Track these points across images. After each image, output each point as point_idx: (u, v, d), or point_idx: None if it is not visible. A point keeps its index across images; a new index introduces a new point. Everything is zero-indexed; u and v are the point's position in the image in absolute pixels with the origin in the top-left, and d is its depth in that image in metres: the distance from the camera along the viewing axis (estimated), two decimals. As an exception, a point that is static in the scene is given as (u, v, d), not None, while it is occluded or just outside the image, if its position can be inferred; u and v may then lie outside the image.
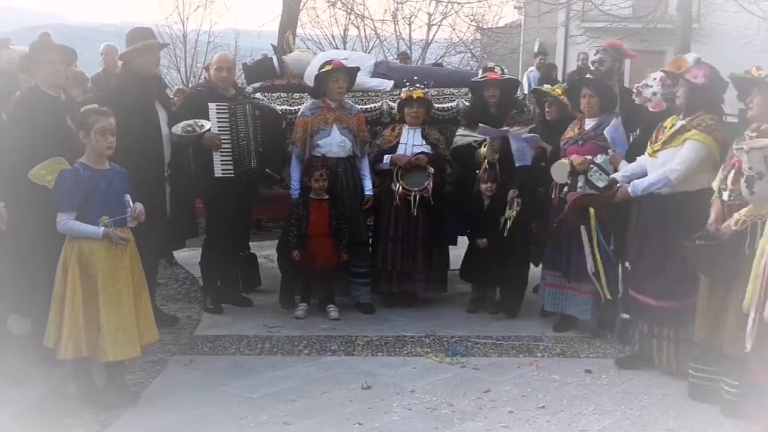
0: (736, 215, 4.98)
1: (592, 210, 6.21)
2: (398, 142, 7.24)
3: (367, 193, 7.16)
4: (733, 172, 5.11)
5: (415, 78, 7.52)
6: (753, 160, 4.79)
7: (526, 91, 10.04)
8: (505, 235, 6.87)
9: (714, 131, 5.51)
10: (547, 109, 7.16)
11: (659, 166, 5.66)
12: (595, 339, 6.55)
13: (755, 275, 4.73)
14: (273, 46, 9.28)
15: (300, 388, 5.50)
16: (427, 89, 7.34)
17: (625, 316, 6.39)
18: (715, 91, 5.60)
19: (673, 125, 5.66)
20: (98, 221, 4.93)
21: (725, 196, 5.16)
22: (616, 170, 6.23)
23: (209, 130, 6.72)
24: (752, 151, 4.81)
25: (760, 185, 4.78)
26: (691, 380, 5.38)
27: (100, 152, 5.06)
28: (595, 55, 7.77)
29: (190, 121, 6.68)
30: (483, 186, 7.06)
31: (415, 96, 7.17)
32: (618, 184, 5.93)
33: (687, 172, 5.53)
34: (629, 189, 5.77)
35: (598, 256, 6.30)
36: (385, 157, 7.22)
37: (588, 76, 6.94)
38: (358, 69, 7.29)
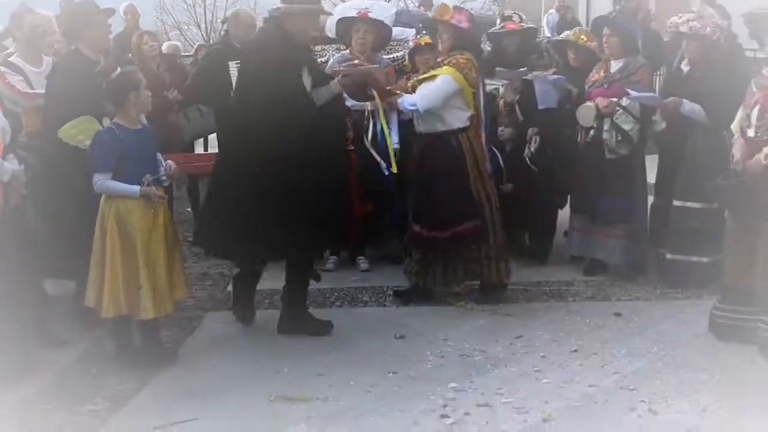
0: (765, 149, 4.93)
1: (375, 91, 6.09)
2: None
3: (393, 145, 7.11)
4: (757, 109, 5.06)
5: (420, 25, 7.43)
6: None
7: (547, 34, 9.92)
8: (529, 168, 6.84)
9: (465, 69, 5.84)
10: (572, 56, 7.07)
11: None
12: (625, 282, 6.55)
13: None
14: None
15: (333, 340, 5.57)
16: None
17: (661, 251, 6.42)
18: (475, 33, 6.15)
19: None
20: (142, 180, 4.98)
21: (750, 133, 5.10)
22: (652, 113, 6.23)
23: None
24: None
25: None
26: (720, 321, 5.35)
27: (147, 107, 5.14)
28: None
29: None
30: (500, 129, 7.01)
31: (423, 43, 7.10)
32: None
33: (432, 100, 5.82)
34: (398, 100, 5.99)
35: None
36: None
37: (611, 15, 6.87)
38: (383, 24, 7.16)
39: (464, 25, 5.98)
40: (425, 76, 6.01)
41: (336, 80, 5.61)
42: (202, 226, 5.76)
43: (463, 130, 5.98)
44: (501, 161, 6.84)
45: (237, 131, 5.66)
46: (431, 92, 5.83)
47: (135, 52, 8.38)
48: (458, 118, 5.96)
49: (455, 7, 6.31)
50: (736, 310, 5.29)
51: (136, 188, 4.97)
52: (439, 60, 6.07)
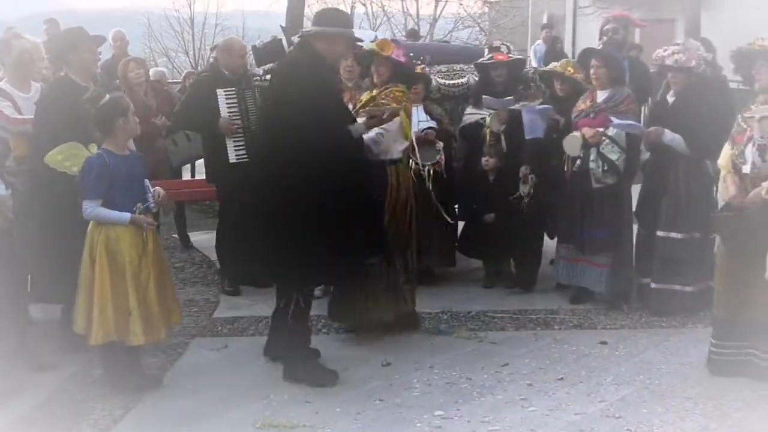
0: (765, 184, 4.97)
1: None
2: None
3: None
4: (756, 147, 5.10)
5: (411, 54, 7.49)
6: (765, 129, 4.78)
7: (534, 65, 10.01)
8: (523, 211, 6.87)
9: (402, 102, 5.84)
10: (559, 86, 7.15)
11: None
12: (611, 310, 6.57)
13: None
14: (282, 27, 9.28)
15: (320, 367, 5.55)
16: (424, 65, 7.31)
17: (645, 280, 6.46)
18: (410, 67, 6.48)
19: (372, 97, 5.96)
20: (133, 208, 4.97)
21: (746, 169, 5.14)
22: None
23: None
24: (763, 120, 4.80)
25: None
26: (714, 357, 5.34)
27: (136, 134, 5.17)
28: (607, 25, 7.73)
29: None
30: (484, 160, 7.04)
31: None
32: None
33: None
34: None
35: None
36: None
37: (598, 47, 6.94)
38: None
39: (402, 59, 6.08)
40: (374, 109, 5.80)
41: (362, 121, 5.58)
42: (231, 257, 5.65)
43: (393, 162, 5.95)
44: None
45: (270, 154, 5.30)
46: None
47: (121, 78, 8.37)
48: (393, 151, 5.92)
49: (393, 41, 6.46)
50: (726, 345, 5.29)
51: (127, 215, 4.96)
52: (374, 93, 6.02)
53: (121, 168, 5.01)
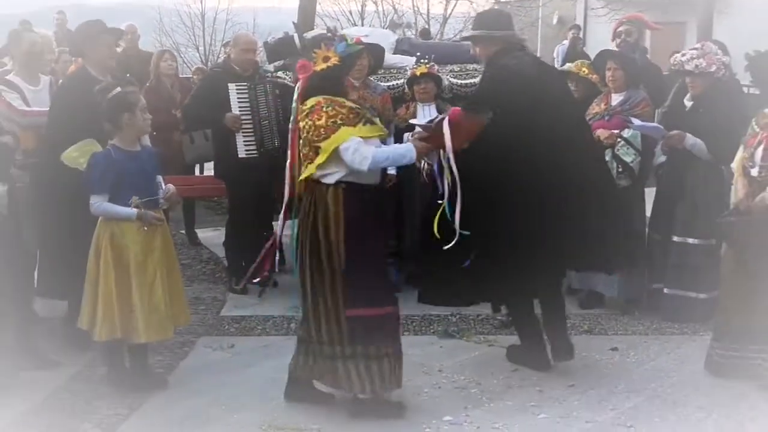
0: None
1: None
2: None
3: (390, 173, 7.07)
4: (762, 148, 5.06)
5: (418, 54, 7.45)
6: None
7: (557, 65, 9.94)
8: None
9: None
10: (573, 88, 7.06)
11: None
12: (622, 315, 6.51)
13: None
14: (294, 24, 9.22)
15: (327, 369, 5.49)
16: (432, 63, 7.25)
17: (657, 286, 6.39)
18: None
19: None
20: (128, 201, 4.91)
21: (754, 172, 5.10)
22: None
23: None
24: None
25: None
26: (716, 359, 5.30)
27: (145, 131, 5.11)
28: (620, 27, 7.66)
29: None
30: None
31: (418, 73, 7.10)
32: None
33: None
34: None
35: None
36: (405, 135, 7.14)
37: (614, 48, 6.87)
38: (380, 48, 7.18)
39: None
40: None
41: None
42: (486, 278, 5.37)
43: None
44: None
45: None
46: None
47: (153, 68, 8.68)
48: None
49: None
50: (732, 348, 5.24)
51: (133, 211, 4.89)
52: None
53: (129, 164, 4.94)
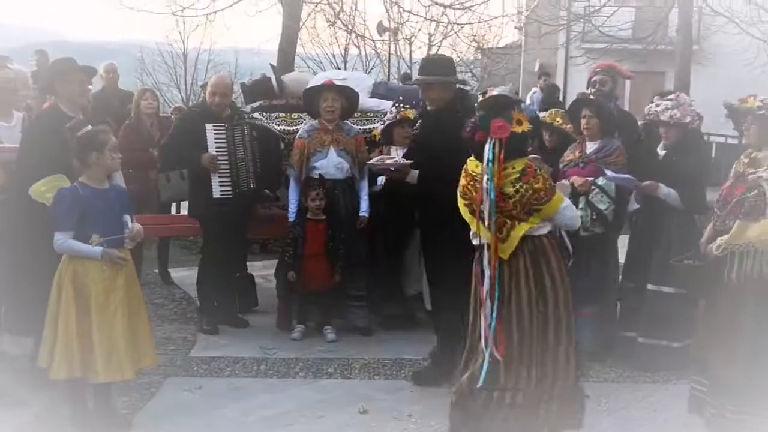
0: (718, 240, 5.01)
1: None
2: None
3: (362, 214, 7.07)
4: (721, 197, 5.17)
5: (401, 99, 7.48)
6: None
7: (531, 112, 9.97)
8: None
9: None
10: (547, 137, 7.14)
11: None
12: (593, 362, 6.47)
13: None
14: (272, 66, 9.27)
15: (296, 412, 5.43)
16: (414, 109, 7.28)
17: (629, 334, 6.37)
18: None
19: None
20: (90, 241, 4.86)
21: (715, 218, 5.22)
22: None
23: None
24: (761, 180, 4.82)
25: None
26: (693, 393, 5.32)
27: (113, 170, 5.07)
28: (595, 76, 7.73)
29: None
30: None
31: (411, 116, 7.13)
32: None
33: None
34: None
35: None
36: (379, 179, 7.16)
37: (590, 97, 6.91)
38: (351, 90, 7.20)
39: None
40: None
41: None
42: None
43: None
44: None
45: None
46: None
47: (134, 107, 8.69)
48: None
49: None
50: (702, 383, 5.24)
51: (98, 249, 4.85)
52: None
53: (95, 201, 4.91)
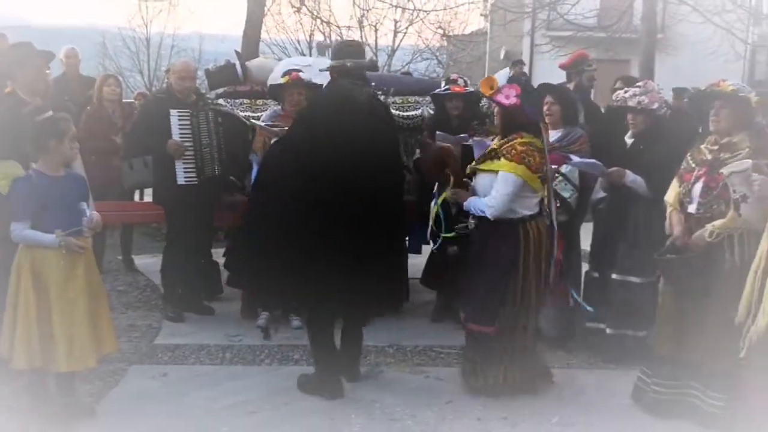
0: (709, 227, 4.96)
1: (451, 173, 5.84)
2: None
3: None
4: (699, 185, 5.10)
5: (373, 84, 7.43)
6: (735, 183, 4.78)
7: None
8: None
9: (525, 157, 5.37)
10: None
11: (479, 189, 5.61)
12: (556, 349, 6.51)
13: (750, 290, 4.63)
14: (237, 52, 9.20)
15: (261, 399, 5.43)
16: (385, 96, 7.26)
17: (589, 324, 6.40)
18: (526, 109, 5.48)
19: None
20: (53, 233, 4.79)
21: (692, 209, 5.15)
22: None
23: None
24: (732, 175, 4.78)
25: (745, 207, 4.76)
26: (653, 395, 5.33)
27: (70, 160, 4.99)
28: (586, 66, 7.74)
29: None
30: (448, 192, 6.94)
31: None
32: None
33: (503, 206, 5.39)
34: (465, 202, 5.65)
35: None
36: None
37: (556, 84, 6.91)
38: (320, 85, 7.16)
39: (512, 101, 5.41)
40: (484, 167, 5.51)
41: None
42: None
43: (532, 217, 5.50)
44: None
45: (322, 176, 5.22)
46: (498, 200, 5.37)
47: (96, 92, 8.56)
48: (527, 206, 5.49)
49: (510, 80, 6.19)
50: (666, 385, 5.27)
51: (55, 238, 4.79)
52: (493, 145, 5.61)
53: (52, 190, 4.85)
